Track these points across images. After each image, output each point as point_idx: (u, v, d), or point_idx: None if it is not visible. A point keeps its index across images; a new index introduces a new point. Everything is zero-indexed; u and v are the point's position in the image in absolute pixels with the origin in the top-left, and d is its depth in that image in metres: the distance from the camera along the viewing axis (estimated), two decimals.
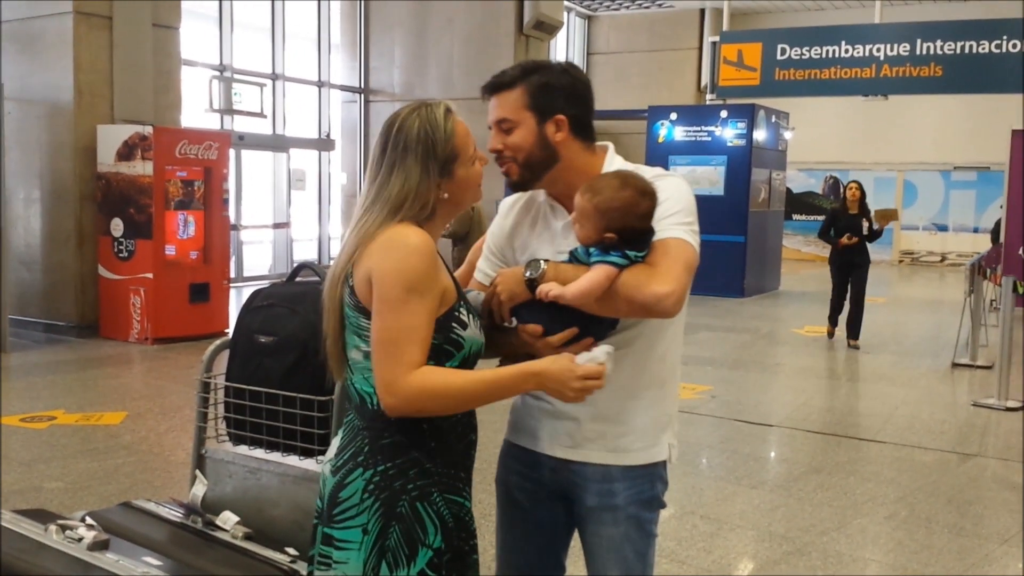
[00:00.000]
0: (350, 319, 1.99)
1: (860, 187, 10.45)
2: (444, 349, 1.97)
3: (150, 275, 9.47)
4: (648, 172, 2.18)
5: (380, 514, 1.94)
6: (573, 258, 2.09)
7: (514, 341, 2.10)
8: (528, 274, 2.05)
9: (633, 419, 2.19)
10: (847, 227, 10.09)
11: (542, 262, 2.07)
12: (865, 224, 10.16)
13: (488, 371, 1.99)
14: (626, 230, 2.04)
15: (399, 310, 1.89)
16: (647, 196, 2.06)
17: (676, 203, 2.11)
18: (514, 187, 2.23)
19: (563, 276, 2.02)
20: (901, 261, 21.55)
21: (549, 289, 1.98)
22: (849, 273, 10.29)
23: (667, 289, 1.97)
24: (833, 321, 10.65)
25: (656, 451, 2.23)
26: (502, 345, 2.12)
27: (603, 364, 1.94)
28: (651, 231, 2.06)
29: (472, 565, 2.06)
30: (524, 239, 2.29)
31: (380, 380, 1.91)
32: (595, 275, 1.99)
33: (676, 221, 2.08)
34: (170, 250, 9.77)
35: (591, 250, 2.05)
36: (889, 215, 10.66)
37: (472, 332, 2.00)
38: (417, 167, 1.97)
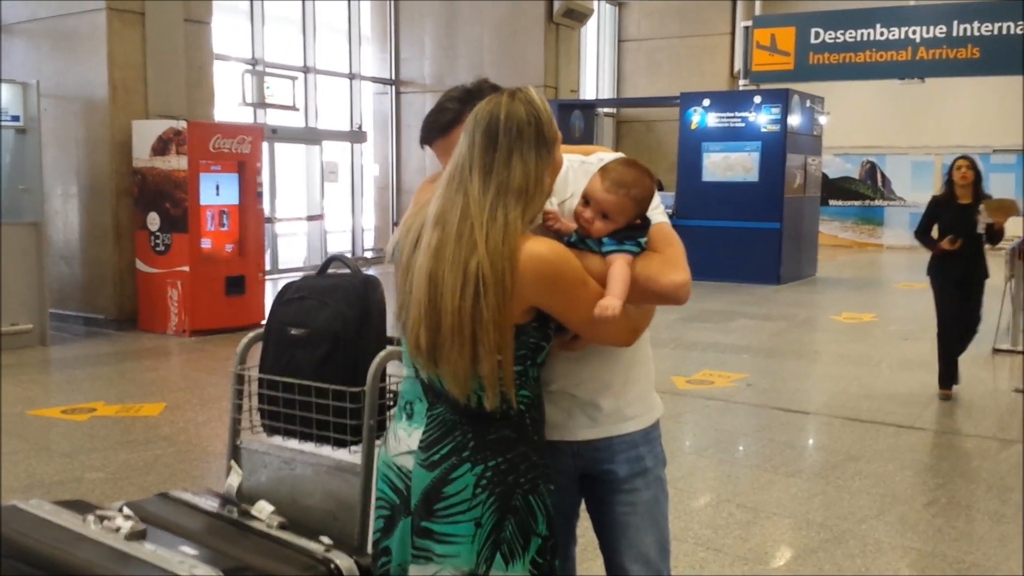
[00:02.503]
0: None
1: (973, 165, 7.19)
2: (540, 346, 2.04)
3: (186, 268, 9.57)
4: (597, 156, 2.27)
5: (495, 508, 1.98)
6: (575, 246, 2.10)
7: None
8: None
9: (635, 386, 2.29)
10: (957, 223, 6.89)
11: None
12: (981, 220, 6.87)
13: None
14: (643, 215, 2.14)
15: (586, 297, 2.00)
16: (655, 179, 2.18)
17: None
18: None
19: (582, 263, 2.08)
20: None
21: (610, 310, 1.99)
22: (961, 290, 7.07)
23: (684, 278, 2.08)
24: (948, 379, 7.20)
25: (657, 409, 2.37)
26: None
27: None
28: (649, 220, 2.15)
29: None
30: None
31: (621, 336, 2.11)
32: (622, 270, 2.04)
33: (653, 205, 2.19)
34: (206, 243, 9.87)
35: (603, 240, 2.08)
36: (1007, 207, 7.07)
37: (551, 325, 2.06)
38: (532, 153, 1.96)
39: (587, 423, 2.24)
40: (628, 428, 2.26)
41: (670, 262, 2.09)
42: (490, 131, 1.96)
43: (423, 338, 1.98)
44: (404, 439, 2.08)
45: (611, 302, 1.99)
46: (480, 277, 1.89)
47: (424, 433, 2.04)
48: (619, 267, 2.04)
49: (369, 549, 2.45)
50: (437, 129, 2.27)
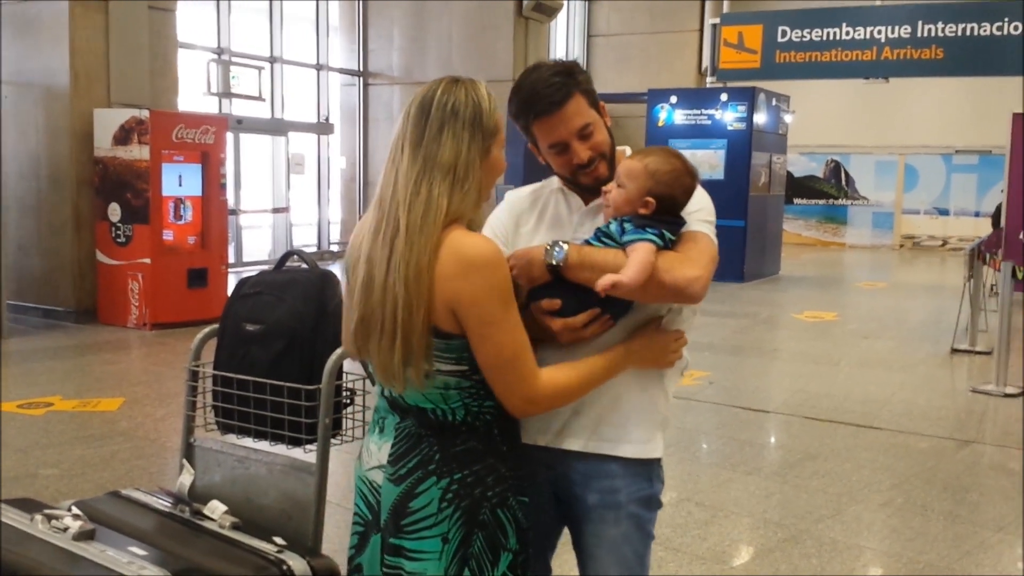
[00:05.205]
0: None
1: None
2: None
3: (148, 260, 9.45)
4: None
5: (462, 522, 1.91)
6: (600, 238, 2.07)
7: (527, 323, 2.06)
8: (552, 261, 2.02)
9: (634, 411, 2.17)
10: None
11: (563, 244, 2.04)
12: None
13: (594, 359, 2.03)
14: (666, 201, 2.07)
15: (504, 327, 1.87)
16: (691, 174, 2.12)
17: (699, 202, 2.17)
18: (600, 183, 2.17)
19: (589, 259, 2.02)
20: (902, 245, 21.50)
21: (610, 282, 1.94)
22: None
23: (697, 273, 2.00)
24: None
25: (653, 447, 2.21)
26: None
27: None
28: (683, 220, 2.10)
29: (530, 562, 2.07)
30: (532, 226, 2.27)
31: (515, 395, 1.92)
32: (642, 255, 1.98)
33: (700, 218, 2.14)
34: (168, 235, 9.75)
35: (625, 226, 2.04)
36: None
37: None
38: (466, 133, 1.88)
39: (558, 428, 2.16)
40: (601, 449, 2.15)
41: (686, 258, 2.02)
42: (424, 105, 1.90)
43: (355, 319, 1.92)
44: (375, 453, 2.02)
45: (611, 278, 1.93)
46: (400, 253, 1.83)
47: (392, 446, 1.98)
48: (640, 249, 1.99)
49: (322, 549, 2.43)
50: (554, 104, 2.09)
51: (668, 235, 2.05)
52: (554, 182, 2.30)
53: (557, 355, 2.08)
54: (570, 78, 2.12)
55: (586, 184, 2.18)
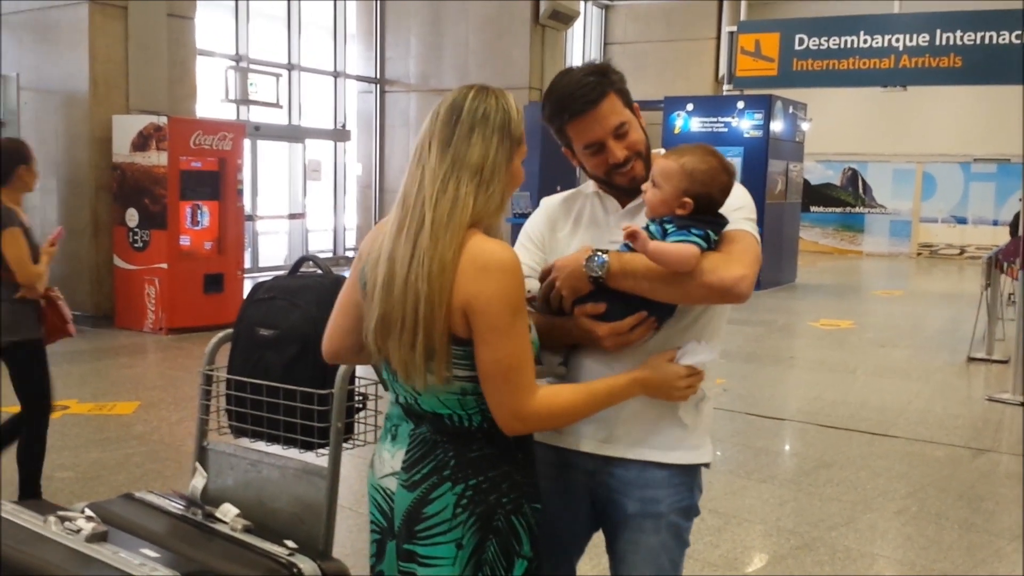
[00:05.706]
0: None
1: None
2: None
3: (165, 265, 9.52)
4: None
5: (476, 528, 1.90)
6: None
7: (571, 329, 2.08)
8: (593, 273, 2.01)
9: (672, 419, 2.14)
10: None
11: (603, 255, 2.02)
12: None
13: (598, 383, 2.01)
14: (703, 200, 2.03)
15: (509, 335, 1.84)
16: (728, 172, 2.07)
17: (740, 200, 2.14)
18: (636, 183, 2.15)
19: (631, 266, 2.00)
20: (919, 254, 21.38)
21: (632, 229, 1.96)
22: None
23: (742, 272, 1.96)
24: None
25: (700, 453, 2.19)
26: (556, 334, 2.08)
27: (703, 361, 2.04)
28: (724, 219, 2.06)
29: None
30: (568, 231, 2.27)
31: (505, 408, 1.87)
32: (685, 249, 1.95)
33: (743, 216, 2.11)
34: (185, 240, 9.81)
35: (668, 227, 2.01)
36: None
37: (534, 332, 1.97)
38: (495, 138, 1.88)
39: (604, 437, 2.14)
40: (645, 456, 2.13)
41: (732, 259, 1.98)
42: (455, 108, 1.90)
43: (375, 317, 1.90)
44: (388, 460, 2.01)
45: (638, 230, 1.94)
46: (424, 248, 1.83)
47: (407, 453, 1.96)
48: (683, 247, 1.96)
49: (333, 553, 2.44)
50: (588, 103, 2.09)
51: (713, 236, 2.02)
52: (589, 187, 2.29)
53: (601, 361, 2.09)
54: (604, 78, 2.12)
55: (622, 184, 2.17)
